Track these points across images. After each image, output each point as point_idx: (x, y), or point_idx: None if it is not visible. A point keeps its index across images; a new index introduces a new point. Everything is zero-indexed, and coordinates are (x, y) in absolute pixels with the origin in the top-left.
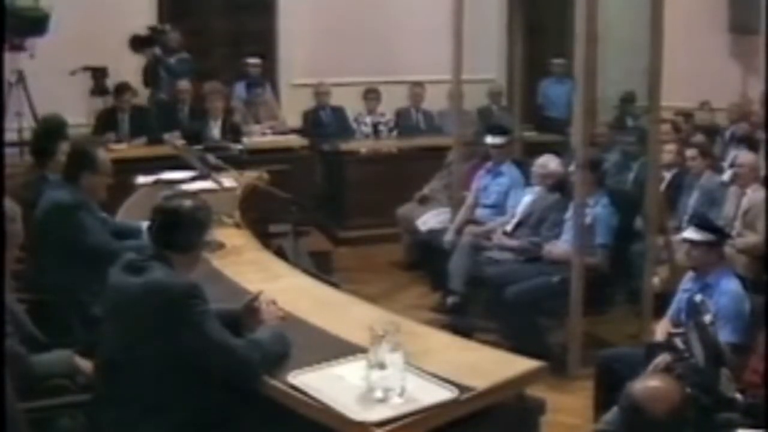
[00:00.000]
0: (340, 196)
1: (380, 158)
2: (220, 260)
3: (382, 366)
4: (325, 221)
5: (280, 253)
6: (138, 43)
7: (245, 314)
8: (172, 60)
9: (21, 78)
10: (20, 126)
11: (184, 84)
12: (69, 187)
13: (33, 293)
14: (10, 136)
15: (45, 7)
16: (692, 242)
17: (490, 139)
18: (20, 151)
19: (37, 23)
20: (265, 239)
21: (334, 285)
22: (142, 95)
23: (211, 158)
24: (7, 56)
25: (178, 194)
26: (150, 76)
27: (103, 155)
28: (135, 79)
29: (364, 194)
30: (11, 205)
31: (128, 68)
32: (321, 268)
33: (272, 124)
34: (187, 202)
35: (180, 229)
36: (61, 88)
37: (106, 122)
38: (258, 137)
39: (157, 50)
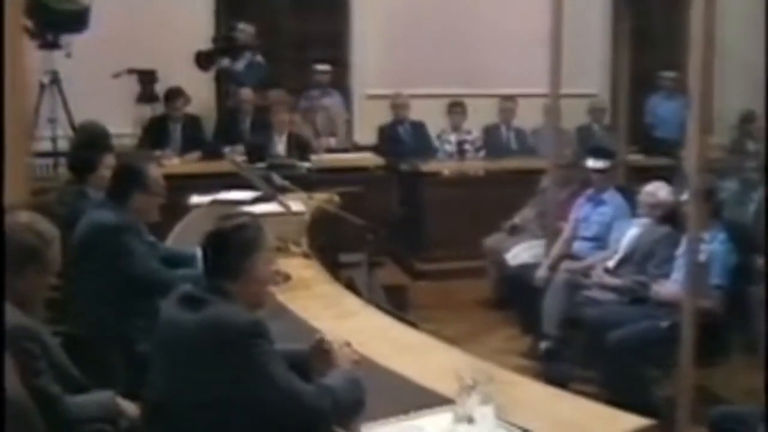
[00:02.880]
0: (418, 224)
1: (465, 181)
2: (286, 294)
3: (470, 420)
4: (402, 251)
5: (351, 286)
6: (204, 60)
7: (315, 356)
8: (240, 65)
9: (55, 80)
10: (54, 134)
11: (246, 93)
12: (114, 207)
13: (70, 326)
14: (43, 145)
15: (84, 0)
16: None
17: (591, 163)
18: (54, 162)
19: (75, 18)
20: (335, 270)
21: (412, 324)
22: (197, 103)
23: (277, 178)
24: (40, 55)
25: (235, 215)
26: (219, 86)
27: (156, 173)
28: (191, 86)
29: (445, 222)
30: (48, 227)
31: (180, 71)
32: (396, 304)
33: (330, 140)
34: (232, 221)
35: (225, 253)
36: (102, 92)
37: (154, 133)
38: (327, 155)
39: (226, 61)
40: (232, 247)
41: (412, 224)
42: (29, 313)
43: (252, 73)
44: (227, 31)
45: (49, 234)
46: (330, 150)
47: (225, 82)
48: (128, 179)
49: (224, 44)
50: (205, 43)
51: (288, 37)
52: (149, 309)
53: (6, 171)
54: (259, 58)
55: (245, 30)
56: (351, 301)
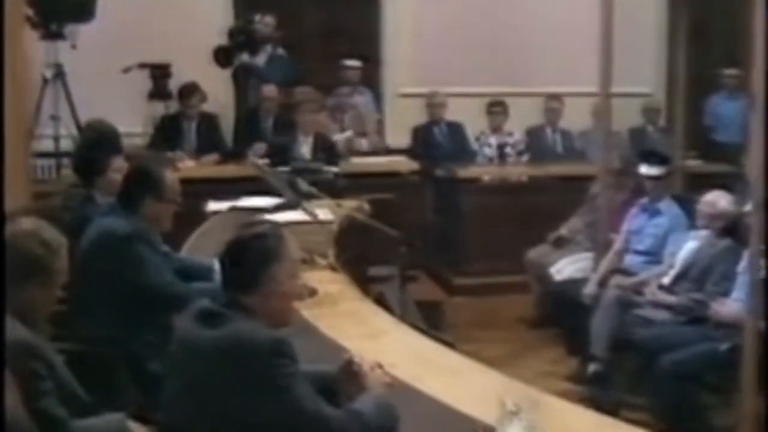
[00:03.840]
0: (455, 234)
1: (506, 188)
2: (311, 310)
3: None
4: (437, 265)
5: (381, 303)
6: (223, 57)
7: (343, 378)
8: (261, 59)
9: (59, 73)
10: (57, 133)
11: (269, 90)
12: (125, 214)
13: (76, 342)
14: (44, 144)
15: None
16: None
17: (644, 169)
18: (57, 164)
19: (81, 6)
20: (365, 285)
21: (449, 344)
22: (213, 101)
23: (302, 183)
24: (43, 46)
25: (256, 223)
26: (238, 83)
27: (171, 178)
28: (207, 82)
29: (485, 232)
30: (54, 235)
31: (196, 66)
32: (431, 322)
33: (361, 141)
34: (251, 229)
35: (243, 264)
36: (110, 88)
37: (167, 133)
38: (356, 158)
39: (245, 56)
40: (250, 257)
41: (449, 235)
42: (33, 328)
43: (274, 68)
44: (245, 23)
45: (56, 243)
46: (359, 153)
47: (244, 78)
48: (141, 184)
49: (242, 38)
50: (223, 36)
51: (314, 30)
52: (162, 325)
53: (4, 173)
54: (281, 51)
55: (265, 21)
56: (382, 318)
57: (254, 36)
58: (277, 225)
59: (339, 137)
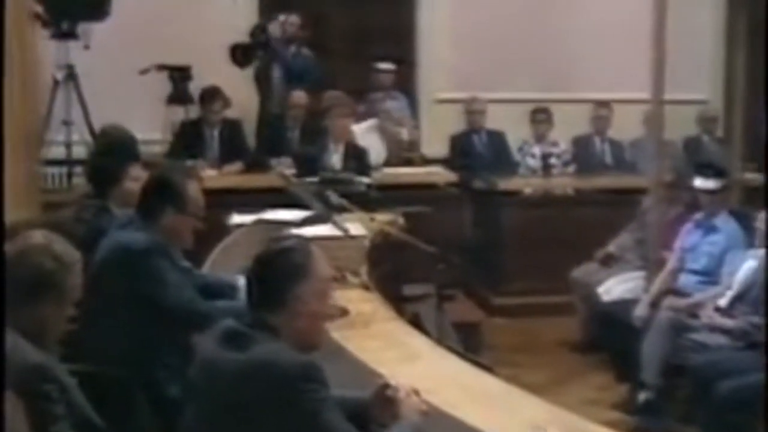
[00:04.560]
0: (495, 251)
1: (551, 201)
2: (342, 331)
3: None
4: (476, 283)
5: (417, 324)
6: (241, 55)
7: (377, 405)
8: (284, 60)
9: (71, 75)
10: (69, 139)
11: (299, 95)
12: (143, 227)
13: (89, 364)
14: (55, 151)
15: None
16: None
17: (700, 182)
18: (68, 172)
19: (95, 3)
20: (399, 304)
21: (488, 369)
22: (237, 106)
23: (332, 195)
24: (54, 45)
25: (285, 238)
26: (261, 86)
27: (194, 189)
28: (230, 85)
29: (527, 249)
30: (68, 249)
31: (218, 68)
32: (469, 344)
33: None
34: (278, 244)
35: (268, 281)
36: (126, 91)
37: (187, 140)
38: (389, 169)
39: (265, 56)
40: (275, 274)
41: (488, 251)
42: (44, 349)
43: (298, 68)
44: (268, 21)
45: (69, 258)
46: (393, 163)
47: (267, 81)
48: (161, 194)
49: (263, 37)
50: (245, 37)
51: (343, 31)
52: (182, 346)
53: (7, 181)
54: (306, 51)
55: (290, 21)
56: (417, 340)
57: (280, 35)
58: (305, 240)
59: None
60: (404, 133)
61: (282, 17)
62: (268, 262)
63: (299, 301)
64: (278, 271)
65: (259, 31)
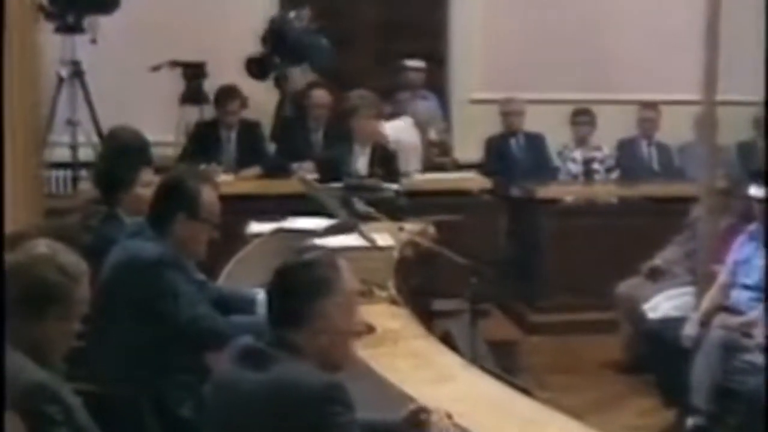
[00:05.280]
0: (533, 263)
1: (593, 210)
2: (369, 350)
3: None
4: (512, 298)
5: (448, 341)
6: (256, 68)
7: (408, 429)
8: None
9: (77, 72)
10: (74, 140)
11: (320, 95)
12: (154, 236)
13: (97, 383)
14: (59, 153)
15: None
16: None
17: (754, 190)
18: (73, 176)
19: None
20: (429, 320)
21: (524, 391)
22: (255, 106)
23: (358, 203)
24: (59, 40)
25: (308, 250)
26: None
27: (210, 195)
28: (248, 84)
29: (567, 261)
30: (74, 260)
31: (235, 66)
32: (505, 364)
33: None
34: (301, 258)
35: (290, 296)
36: (136, 89)
37: (202, 142)
38: (419, 174)
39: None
40: (297, 288)
41: (525, 264)
42: (48, 366)
43: (314, 56)
44: (279, 23)
45: (75, 269)
46: (429, 145)
47: (286, 80)
48: (173, 201)
49: (277, 42)
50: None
51: (369, 26)
52: (196, 364)
53: (7, 185)
54: (323, 41)
55: (300, 16)
56: (449, 360)
57: (291, 33)
58: (330, 251)
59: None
60: (432, 133)
61: (293, 13)
62: (290, 276)
63: (323, 317)
64: (301, 285)
65: (271, 37)
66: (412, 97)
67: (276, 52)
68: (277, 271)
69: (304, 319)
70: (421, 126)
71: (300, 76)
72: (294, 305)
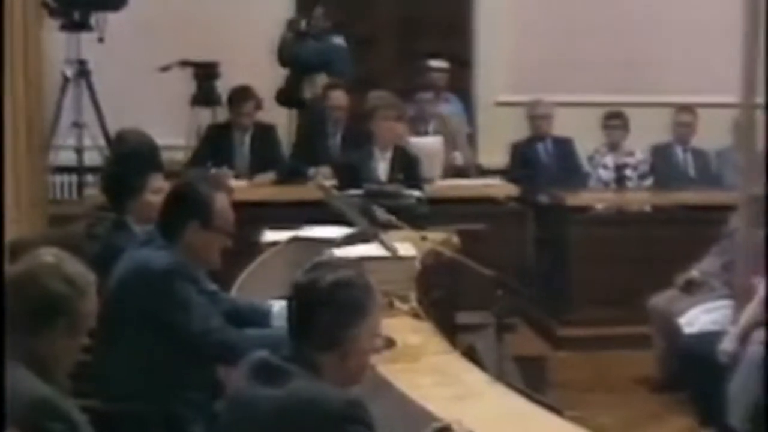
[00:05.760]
0: (561, 274)
1: (626, 219)
2: (389, 365)
3: None
4: (540, 311)
5: (472, 356)
6: (286, 98)
7: None
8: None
9: (83, 72)
10: (80, 143)
11: (338, 96)
12: (165, 245)
13: (104, 400)
14: (65, 156)
15: None
16: None
17: None
18: (79, 181)
19: None
20: (453, 335)
21: (553, 410)
22: (270, 108)
23: (379, 210)
24: (64, 38)
25: (333, 261)
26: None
27: (223, 203)
28: (263, 85)
29: (598, 273)
30: (81, 270)
31: (250, 65)
32: (532, 381)
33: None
34: (333, 273)
35: (322, 316)
36: (145, 90)
37: (214, 146)
38: (444, 181)
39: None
40: (333, 311)
41: (554, 275)
42: (52, 382)
43: (321, 57)
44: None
45: (82, 280)
46: (452, 169)
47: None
48: (185, 208)
49: (292, 61)
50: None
51: (389, 25)
52: (208, 380)
53: (9, 191)
54: (339, 40)
55: (315, 16)
56: (473, 376)
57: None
58: (360, 266)
59: (421, 142)
60: (458, 158)
61: (303, 22)
62: (321, 294)
63: (356, 342)
64: (335, 308)
65: (288, 59)
66: (433, 100)
67: (294, 70)
68: (304, 285)
69: (334, 343)
70: (449, 135)
71: (318, 77)
72: (324, 327)
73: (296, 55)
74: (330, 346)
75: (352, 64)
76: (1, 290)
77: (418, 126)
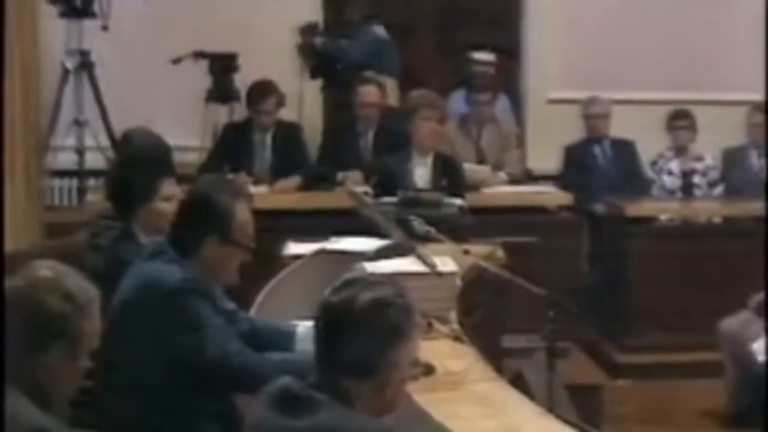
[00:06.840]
0: (620, 293)
1: (693, 232)
2: (428, 394)
3: None
4: (595, 335)
5: (519, 384)
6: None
7: None
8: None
9: (86, 63)
10: (81, 143)
11: (368, 92)
12: (177, 258)
13: (107, 429)
14: (63, 158)
15: None
16: None
17: None
18: (80, 185)
19: None
20: (498, 360)
21: None
22: (295, 106)
23: (417, 221)
24: (64, 25)
25: (366, 278)
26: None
27: (244, 213)
28: (286, 80)
29: (661, 292)
30: (82, 286)
31: (271, 58)
32: (586, 413)
33: (504, 165)
34: (368, 291)
35: (353, 339)
36: (154, 84)
37: (231, 147)
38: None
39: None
40: (369, 335)
41: (612, 294)
42: (51, 410)
43: (364, 51)
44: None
45: (83, 296)
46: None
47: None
48: (202, 219)
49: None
50: (309, 14)
51: (429, 15)
52: (224, 409)
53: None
54: (381, 32)
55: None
56: (521, 406)
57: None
58: (397, 284)
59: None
60: (509, 166)
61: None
62: (354, 316)
63: (392, 369)
64: (372, 333)
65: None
66: (492, 100)
67: (331, 77)
68: (335, 305)
69: (368, 370)
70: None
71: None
72: (357, 352)
73: (332, 59)
74: (364, 373)
75: (399, 57)
76: (1, 305)
77: (469, 128)
